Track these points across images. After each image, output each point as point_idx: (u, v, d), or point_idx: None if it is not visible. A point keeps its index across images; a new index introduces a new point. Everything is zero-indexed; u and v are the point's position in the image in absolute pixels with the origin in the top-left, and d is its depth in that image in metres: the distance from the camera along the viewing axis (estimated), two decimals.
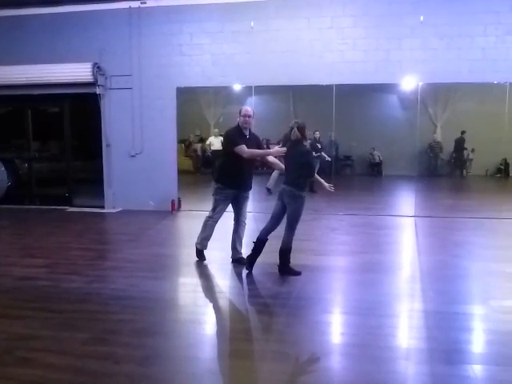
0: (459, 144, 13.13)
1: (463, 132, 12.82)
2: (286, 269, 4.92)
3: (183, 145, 12.87)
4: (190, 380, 2.99)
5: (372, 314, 3.94)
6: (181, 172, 9.50)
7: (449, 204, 9.94)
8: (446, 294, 4.43)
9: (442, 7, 7.91)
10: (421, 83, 8.34)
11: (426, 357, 3.20)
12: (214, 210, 5.31)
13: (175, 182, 9.08)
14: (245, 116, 5.08)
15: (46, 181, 10.30)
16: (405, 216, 8.39)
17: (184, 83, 8.85)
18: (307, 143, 5.08)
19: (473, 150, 13.08)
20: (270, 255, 5.01)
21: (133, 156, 9.12)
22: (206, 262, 5.46)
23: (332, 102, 8.80)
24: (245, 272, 5.05)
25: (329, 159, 11.05)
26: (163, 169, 9.00)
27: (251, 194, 5.44)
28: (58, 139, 10.18)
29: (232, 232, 5.40)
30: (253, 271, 5.02)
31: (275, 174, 9.94)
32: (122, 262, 5.65)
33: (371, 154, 14.57)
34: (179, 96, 8.91)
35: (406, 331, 3.77)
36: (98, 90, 8.93)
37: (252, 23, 8.38)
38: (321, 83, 8.45)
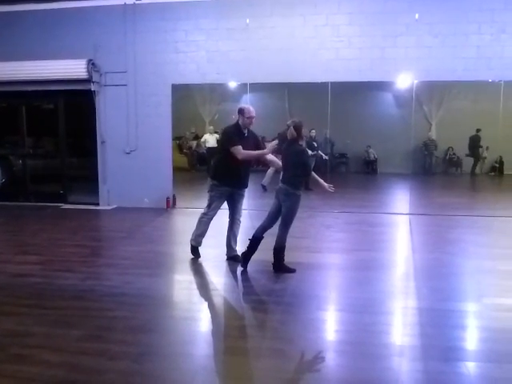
0: (474, 142, 13.07)
1: (478, 130, 12.74)
2: (280, 266, 4.92)
3: (177, 142, 12.84)
4: (185, 377, 2.99)
5: (366, 311, 3.96)
6: (176, 169, 9.49)
7: (443, 202, 9.97)
8: (439, 291, 4.45)
9: (436, 5, 7.92)
10: (416, 81, 8.35)
11: (420, 354, 3.22)
12: (208, 206, 5.30)
13: (170, 179, 9.06)
14: (250, 118, 5.06)
15: (41, 177, 10.24)
16: (399, 214, 8.41)
17: (179, 80, 8.82)
18: (303, 142, 5.06)
19: (487, 148, 13.00)
20: (265, 253, 5.01)
21: (128, 153, 9.08)
22: (201, 259, 5.46)
23: (327, 100, 8.80)
24: (240, 269, 5.05)
25: (326, 158, 11.07)
26: (158, 166, 8.97)
27: (246, 192, 5.43)
28: (53, 136, 10.11)
29: (227, 229, 5.40)
30: (248, 268, 5.02)
31: (270, 171, 9.95)
32: (116, 259, 5.64)
33: (367, 151, 14.62)
34: (174, 93, 8.88)
35: (400, 328, 3.78)
36: (92, 87, 8.88)
37: (247, 20, 8.36)
38: (316, 81, 8.44)
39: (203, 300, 4.56)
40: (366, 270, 5.10)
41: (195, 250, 5.49)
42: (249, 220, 6.99)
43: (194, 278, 5.15)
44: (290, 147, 4.85)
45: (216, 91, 12.11)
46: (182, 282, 5.03)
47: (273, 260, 4.95)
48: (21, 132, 9.94)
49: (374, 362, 3.10)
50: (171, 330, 3.73)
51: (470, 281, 4.91)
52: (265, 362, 3.17)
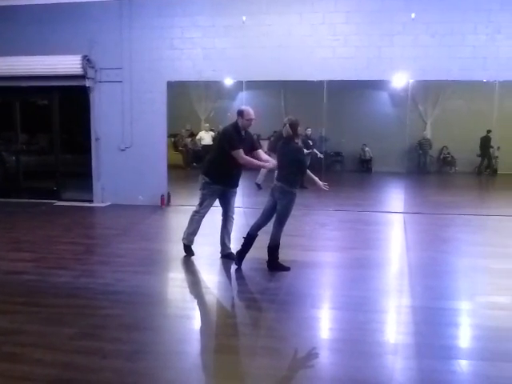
0: (485, 142, 13.14)
1: (489, 131, 12.81)
2: (275, 264, 4.92)
3: (172, 139, 12.80)
4: (179, 375, 2.98)
5: (360, 309, 3.96)
6: (171, 167, 9.45)
7: (437, 200, 10.01)
8: (433, 289, 4.47)
9: (433, 5, 7.94)
10: (411, 80, 8.37)
11: (414, 352, 3.23)
12: (200, 204, 5.29)
13: (165, 177, 9.02)
14: (249, 120, 5.07)
15: (34, 174, 10.18)
16: (394, 212, 8.43)
17: (175, 77, 8.78)
18: (299, 140, 5.05)
19: (498, 148, 12.99)
20: (259, 250, 5.01)
21: (122, 150, 9.04)
22: (195, 257, 5.44)
23: (323, 98, 8.81)
24: (234, 267, 5.04)
25: (321, 156, 11.08)
26: (153, 163, 8.94)
27: (241, 190, 5.42)
28: (47, 132, 10.06)
29: (220, 227, 5.39)
30: (242, 266, 5.01)
31: (264, 169, 9.92)
32: (110, 256, 5.61)
33: (363, 149, 14.65)
34: (170, 90, 8.85)
35: (394, 326, 3.79)
36: (87, 83, 8.83)
37: (244, 18, 8.34)
38: (312, 79, 8.45)
39: (197, 298, 4.55)
40: (361, 268, 5.10)
41: (188, 249, 5.47)
42: (243, 218, 6.98)
43: (189, 276, 5.14)
44: (285, 145, 4.84)
45: (212, 89, 12.08)
46: (177, 280, 5.01)
47: (267, 258, 4.94)
48: (14, 128, 9.88)
49: (368, 360, 3.10)
50: (165, 328, 3.72)
51: (463, 279, 4.93)
52: (259, 360, 3.17)
